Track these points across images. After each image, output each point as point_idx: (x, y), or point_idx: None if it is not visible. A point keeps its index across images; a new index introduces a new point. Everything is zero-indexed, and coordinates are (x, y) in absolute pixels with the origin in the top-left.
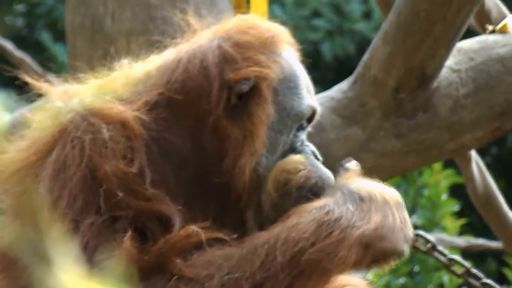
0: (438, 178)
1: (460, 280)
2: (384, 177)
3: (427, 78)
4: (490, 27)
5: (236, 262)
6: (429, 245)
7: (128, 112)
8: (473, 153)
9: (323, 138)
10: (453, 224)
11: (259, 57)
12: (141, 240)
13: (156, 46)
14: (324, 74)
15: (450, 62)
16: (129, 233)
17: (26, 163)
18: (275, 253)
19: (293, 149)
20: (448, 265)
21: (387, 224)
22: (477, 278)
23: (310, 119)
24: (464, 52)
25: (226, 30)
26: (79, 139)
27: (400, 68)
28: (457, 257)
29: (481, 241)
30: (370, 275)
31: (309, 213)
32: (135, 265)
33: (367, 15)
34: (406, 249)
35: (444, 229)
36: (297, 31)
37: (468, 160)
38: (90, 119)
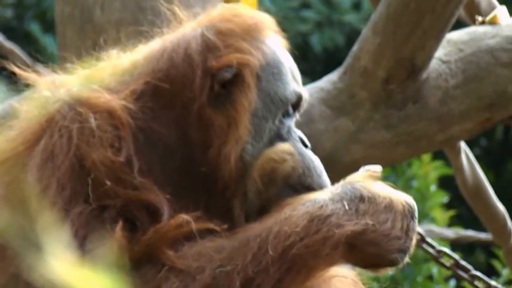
0: (427, 170)
1: (449, 272)
2: None
3: (417, 69)
4: (479, 18)
5: (228, 255)
6: (418, 236)
7: (115, 101)
8: (463, 145)
9: (312, 129)
10: (442, 215)
11: (241, 44)
12: (130, 230)
13: (144, 36)
14: (313, 66)
15: (439, 53)
16: (119, 223)
17: (14, 153)
18: (267, 246)
19: (279, 136)
20: (436, 257)
21: (381, 229)
22: (466, 270)
23: (296, 105)
24: (453, 43)
25: (210, 19)
26: (66, 128)
27: (389, 59)
28: (446, 249)
29: (470, 233)
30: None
31: (302, 206)
32: (124, 255)
33: (356, 6)
34: (399, 259)
35: (433, 220)
36: (286, 23)
37: (457, 152)
38: (77, 108)
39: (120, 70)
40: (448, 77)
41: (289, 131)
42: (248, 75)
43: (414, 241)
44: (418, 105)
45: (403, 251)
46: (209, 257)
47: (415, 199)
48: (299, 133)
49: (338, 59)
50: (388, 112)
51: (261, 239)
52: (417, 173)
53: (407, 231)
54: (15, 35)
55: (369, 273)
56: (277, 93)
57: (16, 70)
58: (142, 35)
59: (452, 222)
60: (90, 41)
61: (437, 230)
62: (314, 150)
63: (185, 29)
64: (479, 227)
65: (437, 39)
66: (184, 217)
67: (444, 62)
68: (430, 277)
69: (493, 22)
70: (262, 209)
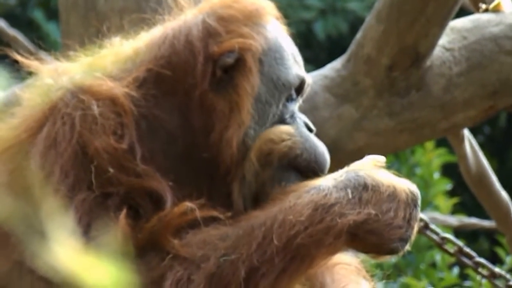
0: (431, 157)
1: (452, 259)
2: None
3: (420, 57)
4: (483, 6)
5: (233, 243)
6: (421, 223)
7: (117, 89)
8: (466, 132)
9: (316, 117)
10: (446, 203)
11: (242, 29)
12: (133, 217)
13: (147, 23)
14: (316, 53)
15: (443, 41)
16: (123, 210)
17: (17, 140)
18: (272, 235)
19: (283, 120)
20: (440, 244)
21: (384, 219)
22: (470, 257)
23: (299, 90)
24: (457, 31)
25: (211, 5)
26: (69, 115)
27: (393, 46)
28: (450, 235)
29: (473, 220)
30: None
31: (307, 194)
32: (128, 242)
33: None
34: (399, 248)
35: (436, 208)
36: (290, 10)
37: (460, 139)
38: (80, 96)
39: (122, 57)
40: (452, 65)
41: (292, 115)
42: (250, 59)
43: (415, 229)
44: (421, 93)
45: (404, 240)
46: (213, 245)
47: (419, 186)
48: (303, 117)
49: (342, 46)
50: (392, 99)
51: (266, 228)
52: (421, 160)
53: (409, 220)
54: (19, 22)
55: (371, 260)
56: (279, 78)
57: (19, 57)
58: (145, 23)
59: (456, 210)
60: (93, 29)
61: (441, 218)
62: (318, 137)
63: (186, 16)
64: (482, 215)
65: (441, 26)
66: (188, 204)
67: (447, 49)
68: (433, 265)
69: (496, 10)
70: (258, 193)
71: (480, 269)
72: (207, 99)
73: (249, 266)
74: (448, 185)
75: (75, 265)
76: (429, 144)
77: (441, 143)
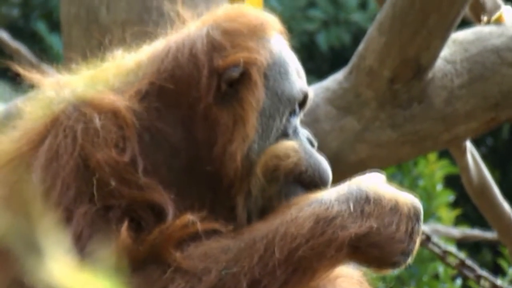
0: (433, 169)
1: (455, 271)
2: (379, 168)
3: (422, 69)
4: (485, 18)
5: (234, 256)
6: (423, 236)
7: (119, 102)
8: (468, 144)
9: (318, 129)
10: (448, 214)
11: (248, 43)
12: (135, 230)
13: (150, 36)
14: (319, 65)
15: (445, 53)
16: (125, 223)
17: (18, 153)
18: (273, 248)
19: (286, 135)
20: (442, 257)
21: (386, 232)
22: (472, 270)
23: (302, 104)
24: (459, 43)
25: (215, 19)
26: (71, 128)
27: (395, 58)
28: (452, 248)
29: (476, 232)
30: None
31: (309, 207)
32: (129, 255)
33: (362, 5)
34: (401, 262)
35: (439, 219)
36: (293, 22)
37: (463, 151)
38: (82, 109)
39: (124, 70)
40: (454, 77)
41: (295, 130)
42: (255, 73)
43: (417, 243)
44: (423, 105)
45: (406, 253)
46: (215, 258)
47: (421, 198)
48: (306, 132)
49: (345, 58)
50: (394, 111)
51: (268, 241)
52: (423, 172)
53: (411, 234)
54: (21, 34)
55: (374, 273)
56: (284, 92)
57: (21, 70)
58: (148, 36)
59: (459, 221)
60: (95, 41)
61: (443, 229)
62: (320, 149)
63: (189, 29)
64: (485, 226)
65: (443, 38)
66: (189, 217)
67: (449, 62)
68: (436, 276)
69: (498, 22)
70: (265, 207)
71: (482, 282)
72: (211, 112)
73: (251, 279)
74: (450, 197)
75: (71, 282)
76: (432, 156)
77: (444, 154)
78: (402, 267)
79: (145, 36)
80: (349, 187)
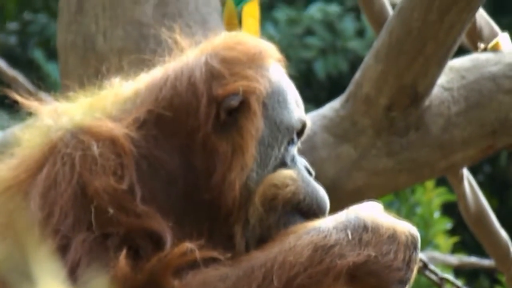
0: (431, 196)
1: None
2: (376, 196)
3: (419, 96)
4: (482, 45)
5: (233, 284)
6: (420, 264)
7: (117, 129)
8: (465, 171)
9: (315, 157)
10: (446, 242)
11: (247, 72)
12: (133, 258)
13: (147, 64)
14: (317, 93)
15: (442, 80)
16: (123, 251)
17: (16, 181)
18: (272, 276)
19: (284, 164)
20: (439, 284)
21: (383, 261)
22: None
23: (300, 133)
24: (456, 70)
25: (213, 47)
26: (69, 156)
27: (392, 86)
28: (448, 276)
29: (473, 259)
30: None
31: (307, 235)
32: (128, 283)
33: (360, 33)
34: None
35: (436, 247)
36: (290, 50)
37: (460, 178)
38: (80, 136)
39: (122, 98)
40: (451, 104)
41: (293, 158)
42: (254, 102)
43: (414, 272)
44: (420, 132)
45: (403, 282)
46: (213, 286)
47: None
48: (303, 161)
49: (342, 85)
50: (391, 139)
51: (266, 269)
52: (421, 199)
53: (408, 263)
54: (19, 62)
55: None
56: (282, 121)
57: (18, 98)
58: (145, 64)
59: (456, 249)
60: (92, 69)
61: (441, 257)
62: (317, 177)
63: (187, 57)
64: (483, 254)
65: (440, 66)
66: (188, 245)
67: (446, 89)
68: None
69: (495, 49)
70: (263, 236)
71: None
72: (210, 141)
73: None
74: (448, 224)
75: None
76: (429, 183)
77: (441, 182)
78: None
79: (142, 64)
80: (347, 215)
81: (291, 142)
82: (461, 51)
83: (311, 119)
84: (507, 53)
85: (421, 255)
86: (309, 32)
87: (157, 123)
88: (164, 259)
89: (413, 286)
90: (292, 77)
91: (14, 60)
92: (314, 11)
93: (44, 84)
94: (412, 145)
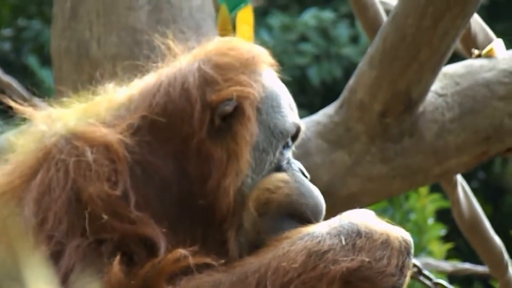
0: (425, 203)
1: None
2: (370, 202)
3: (413, 103)
4: (476, 52)
5: None
6: (414, 269)
7: (111, 135)
8: (459, 178)
9: (309, 163)
10: (440, 248)
11: (240, 77)
12: (127, 264)
13: (140, 70)
14: (311, 99)
15: (436, 86)
16: (117, 257)
17: (10, 187)
18: (266, 282)
19: (279, 168)
20: None
21: (377, 266)
22: None
23: (294, 137)
24: (450, 76)
25: (206, 53)
26: (63, 162)
27: (386, 92)
28: (442, 281)
29: (467, 266)
30: None
31: (301, 240)
32: None
33: (354, 39)
34: None
35: (430, 253)
36: (284, 56)
37: (454, 185)
38: (74, 142)
39: (115, 104)
40: (445, 111)
41: (288, 162)
42: (248, 107)
43: (408, 277)
44: (414, 139)
45: (397, 287)
46: None
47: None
48: (298, 164)
49: (336, 92)
50: (385, 145)
51: (260, 275)
52: (415, 206)
53: (402, 268)
54: (13, 68)
55: None
56: (277, 126)
57: (12, 103)
58: (138, 70)
59: (450, 255)
60: (86, 75)
61: (435, 263)
62: (311, 183)
63: (180, 63)
64: (477, 260)
65: (434, 72)
66: (181, 251)
67: (440, 95)
68: None
69: (489, 56)
70: (256, 241)
71: None
72: (204, 147)
73: None
74: (442, 231)
75: None
76: (423, 190)
77: (435, 188)
78: None
79: (136, 70)
80: (341, 221)
81: (286, 146)
82: (455, 57)
83: (305, 125)
84: (501, 59)
85: (415, 261)
86: (303, 38)
87: (151, 129)
88: (157, 265)
89: None
90: (286, 83)
91: (8, 66)
92: (308, 17)
93: (38, 90)
94: (406, 152)
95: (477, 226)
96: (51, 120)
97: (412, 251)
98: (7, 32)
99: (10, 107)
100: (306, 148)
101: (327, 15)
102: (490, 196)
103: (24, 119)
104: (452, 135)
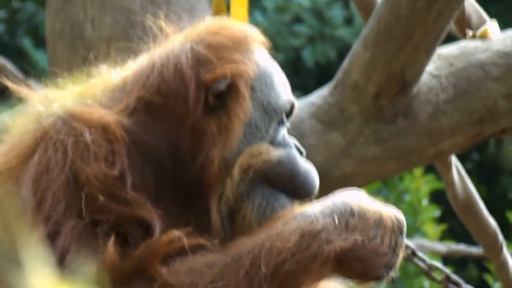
0: (419, 184)
1: (440, 286)
2: (364, 183)
3: (407, 84)
4: (470, 33)
5: (220, 270)
6: (408, 251)
7: (109, 116)
8: (453, 159)
9: (303, 144)
10: (434, 229)
11: (233, 56)
12: (122, 245)
13: (135, 51)
14: (305, 80)
15: (430, 67)
16: (112, 238)
17: (7, 167)
18: (259, 263)
19: (272, 143)
20: (427, 271)
21: (370, 246)
22: (457, 284)
23: (289, 114)
24: (444, 57)
25: (197, 33)
26: (61, 142)
27: (380, 73)
28: (437, 263)
29: (462, 247)
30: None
31: (294, 220)
32: (116, 270)
33: (348, 21)
34: (384, 275)
35: (425, 234)
36: (278, 37)
37: (448, 166)
38: (71, 123)
39: (110, 86)
40: (439, 92)
41: (283, 138)
42: (242, 85)
43: (400, 256)
44: (408, 120)
45: (390, 266)
46: (201, 273)
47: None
48: (294, 140)
49: (330, 73)
50: (379, 126)
51: (254, 255)
52: (409, 187)
53: (394, 247)
54: (7, 50)
55: (358, 286)
56: (270, 103)
57: (8, 84)
58: (132, 51)
59: (444, 236)
60: (80, 57)
61: (429, 245)
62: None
63: (172, 44)
64: (471, 241)
65: (428, 53)
66: (176, 232)
67: (434, 76)
68: None
69: (483, 37)
70: (234, 209)
71: None
72: (199, 124)
73: None
74: (436, 212)
75: None
76: (418, 171)
77: (430, 169)
78: (385, 280)
79: (130, 51)
80: (334, 200)
81: (280, 123)
82: (450, 39)
83: (299, 105)
84: (495, 40)
85: (410, 243)
86: (298, 19)
87: (147, 110)
88: (152, 246)
89: (401, 274)
90: (280, 64)
91: (2, 48)
92: None
93: (33, 71)
94: (400, 133)
95: (472, 207)
96: (47, 101)
97: (405, 230)
98: (1, 14)
99: (5, 88)
100: (300, 129)
101: None
102: (485, 177)
103: (20, 100)
104: (446, 116)
